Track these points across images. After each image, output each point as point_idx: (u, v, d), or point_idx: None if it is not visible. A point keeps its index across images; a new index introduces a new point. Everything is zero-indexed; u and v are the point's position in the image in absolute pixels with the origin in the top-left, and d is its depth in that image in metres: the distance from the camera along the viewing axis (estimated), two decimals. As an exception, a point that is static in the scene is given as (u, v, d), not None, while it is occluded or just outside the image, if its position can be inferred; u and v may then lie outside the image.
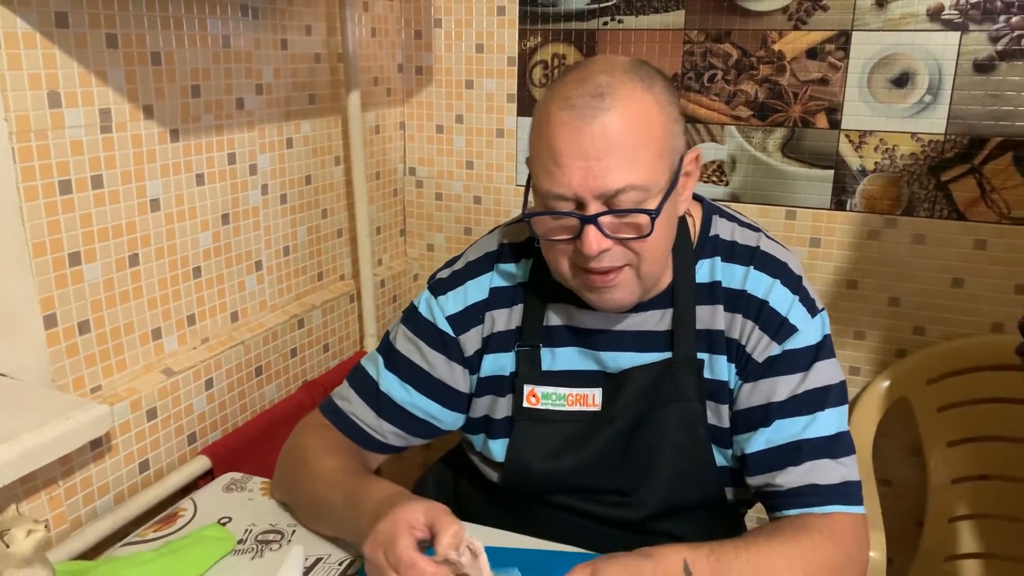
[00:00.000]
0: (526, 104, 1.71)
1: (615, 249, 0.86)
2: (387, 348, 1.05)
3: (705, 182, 1.61)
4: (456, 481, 1.23)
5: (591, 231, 0.84)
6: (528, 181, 0.91)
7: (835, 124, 1.48)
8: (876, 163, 1.48)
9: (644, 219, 0.84)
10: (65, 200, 1.05)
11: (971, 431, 1.48)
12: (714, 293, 0.97)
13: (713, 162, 1.59)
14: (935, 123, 1.42)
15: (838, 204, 1.52)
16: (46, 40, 1.00)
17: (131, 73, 1.12)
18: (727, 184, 1.59)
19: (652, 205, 0.85)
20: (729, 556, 0.82)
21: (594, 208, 0.84)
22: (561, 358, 1.02)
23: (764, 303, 0.95)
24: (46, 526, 0.71)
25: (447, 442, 1.30)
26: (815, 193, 1.53)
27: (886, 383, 1.50)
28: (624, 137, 0.82)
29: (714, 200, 1.59)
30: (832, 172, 1.51)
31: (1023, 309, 1.39)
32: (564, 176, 0.83)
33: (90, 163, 1.08)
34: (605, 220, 0.84)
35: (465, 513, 1.13)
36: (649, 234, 0.85)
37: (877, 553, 1.19)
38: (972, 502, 1.49)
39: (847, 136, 1.48)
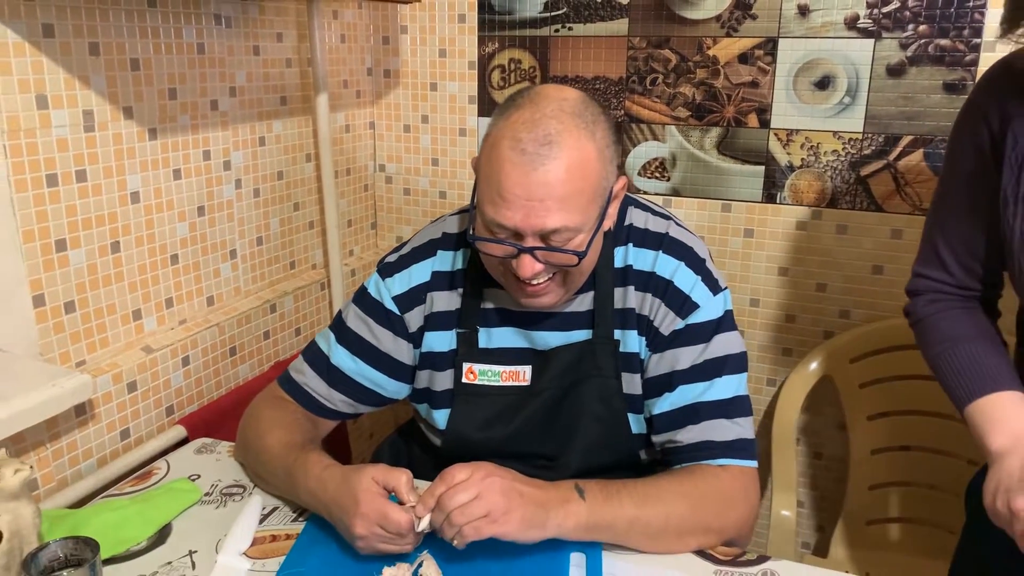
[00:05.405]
0: (486, 105, 1.83)
1: (546, 268, 0.99)
2: (339, 325, 1.17)
3: (648, 178, 1.73)
4: (409, 448, 1.35)
5: (526, 258, 0.96)
6: (475, 191, 1.01)
7: (765, 124, 1.61)
8: (802, 159, 1.60)
9: (572, 256, 0.97)
10: (52, 192, 1.17)
11: (889, 406, 1.60)
12: (627, 276, 1.10)
13: (656, 159, 1.72)
14: (854, 123, 1.55)
15: (769, 197, 1.64)
16: (34, 49, 1.13)
17: (112, 78, 1.24)
18: (668, 180, 1.72)
19: (582, 242, 0.97)
20: (618, 484, 0.95)
21: (530, 241, 0.96)
22: (496, 337, 1.14)
23: (670, 283, 1.08)
24: (31, 467, 0.83)
25: (403, 416, 1.43)
26: (748, 187, 1.65)
27: (813, 363, 1.62)
28: (565, 184, 0.93)
29: (656, 195, 1.73)
30: (763, 168, 1.63)
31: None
32: (508, 211, 0.94)
33: (74, 159, 1.20)
34: (538, 251, 0.96)
35: (417, 475, 1.26)
36: (575, 265, 0.98)
37: (788, 512, 1.32)
38: (889, 471, 1.62)
39: (776, 135, 1.61)
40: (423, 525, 0.90)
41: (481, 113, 1.84)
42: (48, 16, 1.14)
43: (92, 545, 0.79)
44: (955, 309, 1.07)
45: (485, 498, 0.88)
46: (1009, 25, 0.86)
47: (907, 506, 1.62)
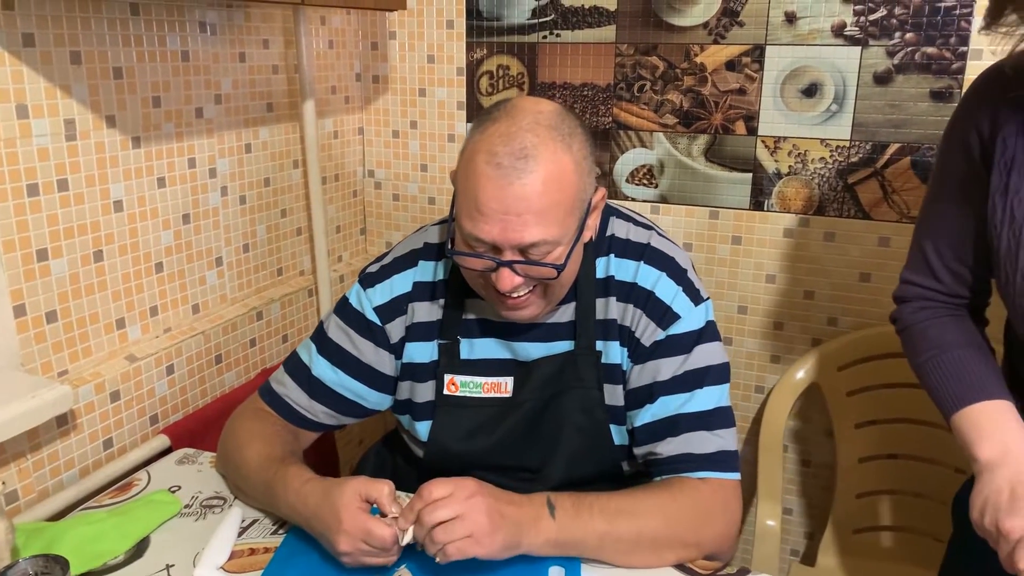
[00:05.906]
0: (474, 111, 1.83)
1: (525, 281, 0.98)
2: (320, 336, 1.17)
3: (636, 185, 1.73)
4: (393, 459, 1.35)
5: (505, 272, 0.96)
6: (453, 204, 1.00)
7: (752, 131, 1.61)
8: (790, 167, 1.60)
9: (551, 269, 0.96)
10: (33, 202, 1.17)
11: (876, 414, 1.60)
12: (608, 286, 1.09)
13: (643, 166, 1.71)
14: (841, 130, 1.54)
15: (756, 205, 1.64)
16: (14, 58, 1.12)
17: (94, 86, 1.24)
18: (656, 187, 1.71)
19: (560, 255, 0.96)
20: (591, 498, 0.95)
21: (509, 255, 0.95)
22: (479, 348, 1.13)
23: (651, 294, 1.07)
24: (3, 483, 0.83)
25: (392, 423, 1.42)
26: (735, 195, 1.65)
27: (801, 370, 1.62)
28: (541, 197, 0.92)
29: (644, 202, 1.72)
30: (750, 175, 1.63)
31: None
32: (486, 225, 0.93)
33: (56, 168, 1.20)
34: (517, 265, 0.96)
35: (400, 486, 1.26)
36: (555, 278, 0.97)
37: (773, 522, 1.31)
38: (877, 479, 1.62)
39: (763, 142, 1.60)
40: (407, 539, 0.90)
41: (469, 119, 1.84)
42: (28, 25, 1.13)
43: (62, 563, 0.79)
44: (943, 316, 1.06)
45: (469, 518, 0.87)
46: (992, 18, 0.85)
47: (894, 514, 1.62)
